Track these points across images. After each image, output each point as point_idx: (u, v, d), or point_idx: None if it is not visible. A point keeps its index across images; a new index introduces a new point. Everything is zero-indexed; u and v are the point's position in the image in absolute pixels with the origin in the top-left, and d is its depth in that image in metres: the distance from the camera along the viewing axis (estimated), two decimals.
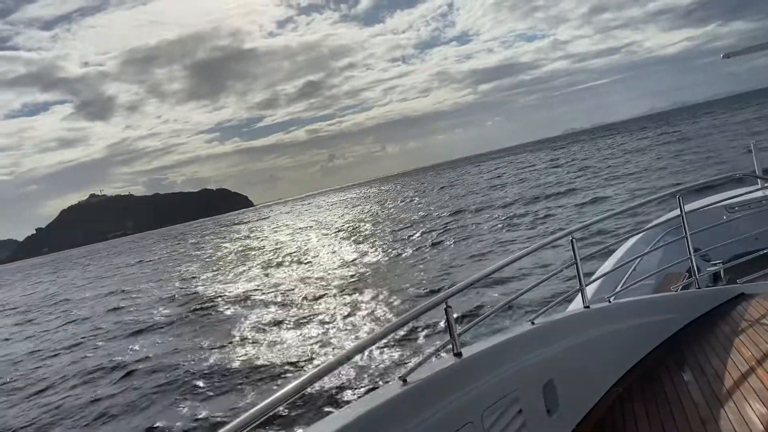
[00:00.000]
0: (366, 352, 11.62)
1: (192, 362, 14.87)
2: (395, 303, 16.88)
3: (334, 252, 33.04)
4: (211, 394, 12.17)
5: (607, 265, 8.18)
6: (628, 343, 5.28)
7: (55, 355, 20.73)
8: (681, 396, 4.44)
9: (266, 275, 29.06)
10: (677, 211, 6.44)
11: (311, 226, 61.96)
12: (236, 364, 13.66)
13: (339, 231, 46.40)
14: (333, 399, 10.20)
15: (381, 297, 18.10)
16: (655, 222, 9.14)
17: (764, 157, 9.71)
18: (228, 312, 21.22)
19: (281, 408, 2.96)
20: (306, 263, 30.49)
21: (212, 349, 15.81)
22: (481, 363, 3.73)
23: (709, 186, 10.35)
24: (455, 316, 3.71)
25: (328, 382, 10.74)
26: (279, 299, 21.51)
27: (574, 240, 5.03)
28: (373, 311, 16.51)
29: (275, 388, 11.59)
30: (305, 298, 20.63)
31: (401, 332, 12.63)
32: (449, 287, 4.08)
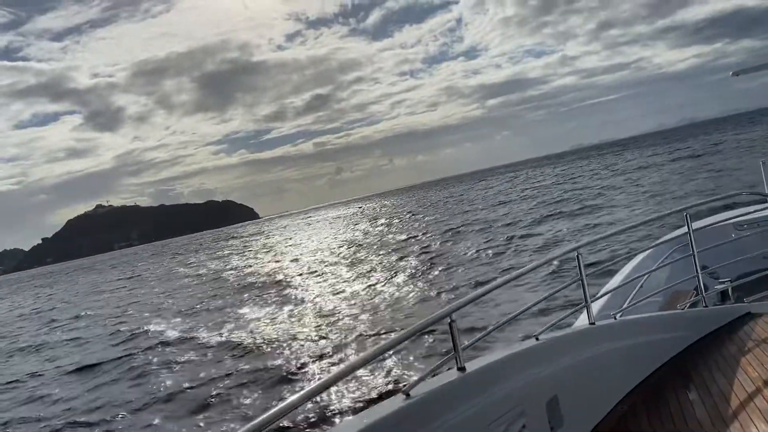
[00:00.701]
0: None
1: None
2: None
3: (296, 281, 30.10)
4: None
5: (614, 281, 8.14)
6: (634, 361, 5.24)
7: None
8: (686, 415, 4.41)
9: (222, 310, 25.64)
10: (685, 229, 6.41)
11: (299, 243, 61.40)
12: None
13: (323, 252, 42.77)
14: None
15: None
16: (662, 239, 9.10)
17: None
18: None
19: (282, 421, 3.02)
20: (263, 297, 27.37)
21: None
22: (485, 378, 3.70)
23: (718, 203, 10.27)
24: (459, 330, 3.67)
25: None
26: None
27: (580, 256, 5.00)
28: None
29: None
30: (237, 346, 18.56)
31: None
32: (454, 301, 4.04)
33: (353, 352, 14.28)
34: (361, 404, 10.20)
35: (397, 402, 3.22)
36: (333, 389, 10.68)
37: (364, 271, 27.87)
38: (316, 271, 31.34)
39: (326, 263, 34.06)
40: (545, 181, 76.77)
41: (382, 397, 10.16)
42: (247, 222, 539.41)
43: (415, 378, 3.48)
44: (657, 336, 5.59)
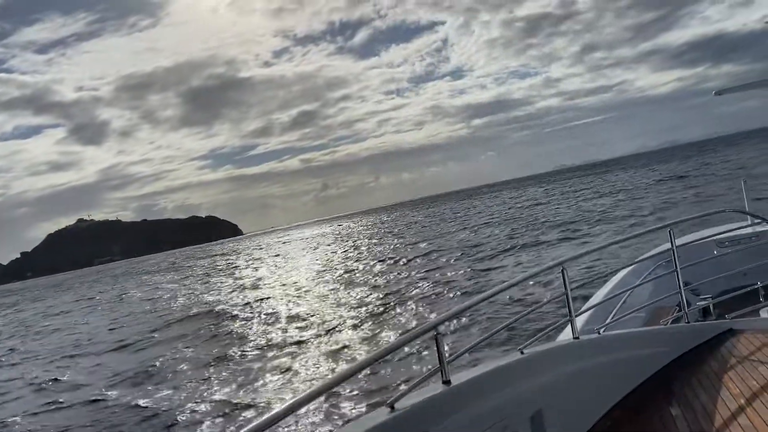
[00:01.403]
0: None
1: None
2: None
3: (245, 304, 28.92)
4: None
5: (598, 296, 8.30)
6: (617, 376, 5.28)
7: None
8: (668, 430, 4.45)
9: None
10: (668, 245, 6.48)
11: (262, 264, 59.45)
12: None
13: (279, 280, 39.91)
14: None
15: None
16: (646, 255, 9.34)
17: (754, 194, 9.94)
18: None
19: None
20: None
21: None
22: (469, 391, 3.70)
23: (699, 221, 10.48)
24: (445, 343, 3.66)
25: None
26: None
27: (565, 270, 5.02)
28: None
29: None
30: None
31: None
32: (440, 314, 4.08)
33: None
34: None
35: (381, 415, 3.21)
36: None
37: (304, 306, 24.98)
38: (251, 309, 27.80)
39: (267, 297, 30.54)
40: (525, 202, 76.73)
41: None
42: (228, 239, 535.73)
43: (400, 391, 3.45)
44: (640, 351, 5.64)
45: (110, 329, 31.28)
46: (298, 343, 17.93)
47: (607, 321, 6.65)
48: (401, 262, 34.66)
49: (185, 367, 17.72)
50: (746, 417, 4.35)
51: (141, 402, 14.62)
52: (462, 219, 67.88)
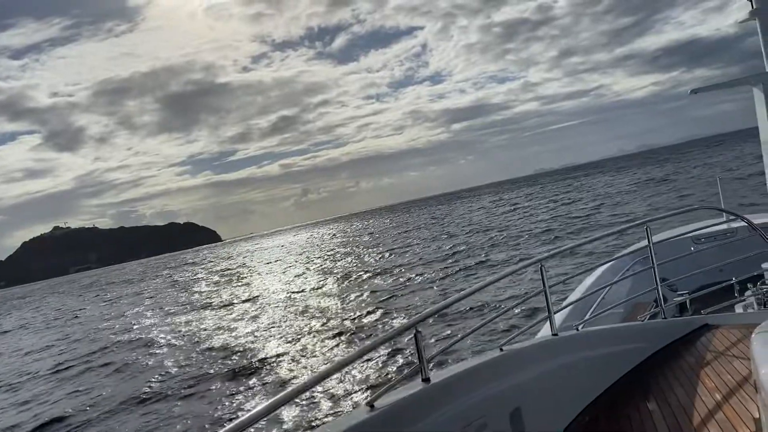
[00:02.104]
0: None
1: None
2: None
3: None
4: None
5: (577, 293, 8.34)
6: (595, 372, 5.30)
7: None
8: (645, 426, 4.47)
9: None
10: (645, 242, 6.55)
11: (224, 276, 56.66)
12: None
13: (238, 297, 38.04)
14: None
15: None
16: (624, 252, 9.37)
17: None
18: None
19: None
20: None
21: None
22: (449, 389, 3.69)
23: (678, 218, 10.70)
24: (424, 341, 3.66)
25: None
26: None
27: (543, 267, 5.03)
28: None
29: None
30: None
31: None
32: (419, 313, 4.02)
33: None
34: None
35: (360, 414, 3.19)
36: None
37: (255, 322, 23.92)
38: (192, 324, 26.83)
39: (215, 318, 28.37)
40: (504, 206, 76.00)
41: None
42: (206, 246, 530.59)
43: (379, 390, 3.43)
44: (617, 347, 5.67)
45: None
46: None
47: (586, 317, 6.68)
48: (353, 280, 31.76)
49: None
50: (721, 411, 4.39)
51: None
52: (431, 228, 64.97)
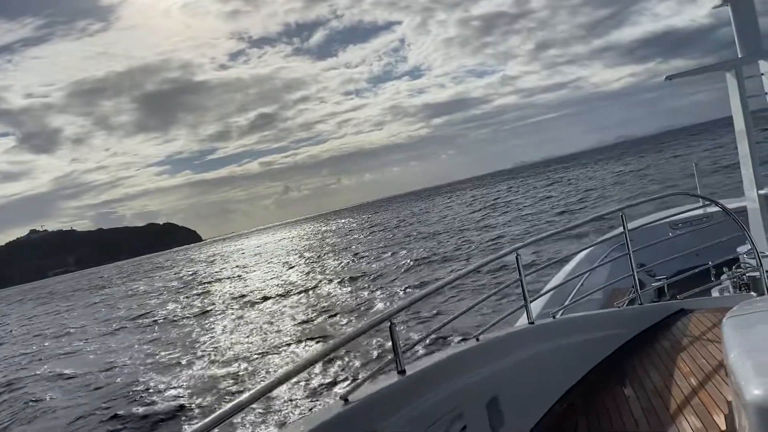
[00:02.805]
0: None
1: None
2: None
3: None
4: None
5: (555, 280, 8.43)
6: (572, 359, 5.33)
7: None
8: (621, 412, 4.51)
9: None
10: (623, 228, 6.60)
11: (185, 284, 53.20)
12: None
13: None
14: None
15: None
16: (602, 238, 9.49)
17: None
18: None
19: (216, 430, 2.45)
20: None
21: None
22: (425, 380, 3.68)
23: (655, 204, 10.77)
24: (400, 333, 3.65)
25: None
26: None
27: (519, 256, 5.05)
28: None
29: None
30: None
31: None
32: (394, 305, 3.97)
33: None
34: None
35: (335, 408, 3.14)
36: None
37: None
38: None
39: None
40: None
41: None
42: (186, 246, 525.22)
43: (354, 383, 3.41)
44: (594, 334, 5.69)
45: None
46: None
47: (565, 304, 6.71)
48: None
49: None
50: (696, 395, 4.43)
51: None
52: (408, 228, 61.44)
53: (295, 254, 59.86)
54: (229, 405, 2.60)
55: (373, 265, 33.05)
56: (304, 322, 20.71)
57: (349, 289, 26.26)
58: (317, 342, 15.26)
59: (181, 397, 13.88)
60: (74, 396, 16.85)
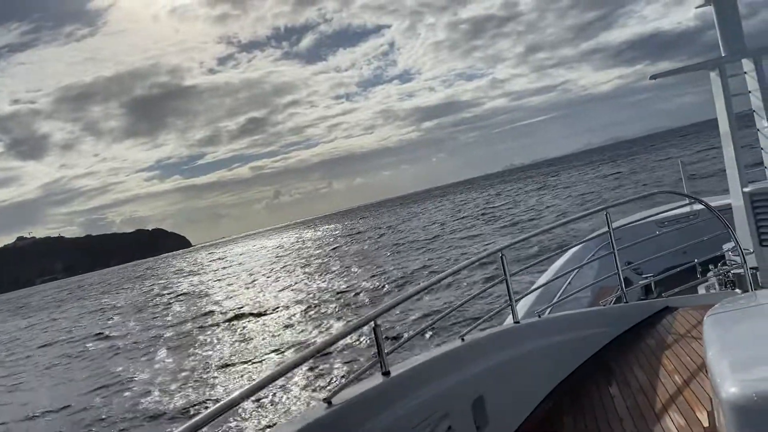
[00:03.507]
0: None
1: None
2: None
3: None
4: None
5: (542, 279, 8.38)
6: (558, 358, 5.32)
7: None
8: (607, 410, 4.50)
9: None
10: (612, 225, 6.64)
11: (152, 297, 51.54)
12: None
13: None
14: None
15: None
16: (588, 237, 9.47)
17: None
18: None
19: None
20: None
21: None
22: (410, 381, 3.66)
23: (645, 201, 10.80)
24: (384, 334, 3.73)
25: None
26: None
27: (503, 256, 5.03)
28: None
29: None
30: None
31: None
32: (378, 306, 3.97)
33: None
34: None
35: (318, 411, 3.11)
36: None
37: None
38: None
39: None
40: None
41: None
42: (175, 252, 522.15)
43: (338, 385, 3.38)
44: (580, 332, 5.68)
45: None
46: None
47: (552, 302, 6.71)
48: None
49: None
50: (680, 393, 4.45)
51: None
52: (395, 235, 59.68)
53: (267, 267, 56.38)
54: (206, 412, 2.55)
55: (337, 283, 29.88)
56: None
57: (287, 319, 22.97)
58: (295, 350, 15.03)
59: None
60: None
